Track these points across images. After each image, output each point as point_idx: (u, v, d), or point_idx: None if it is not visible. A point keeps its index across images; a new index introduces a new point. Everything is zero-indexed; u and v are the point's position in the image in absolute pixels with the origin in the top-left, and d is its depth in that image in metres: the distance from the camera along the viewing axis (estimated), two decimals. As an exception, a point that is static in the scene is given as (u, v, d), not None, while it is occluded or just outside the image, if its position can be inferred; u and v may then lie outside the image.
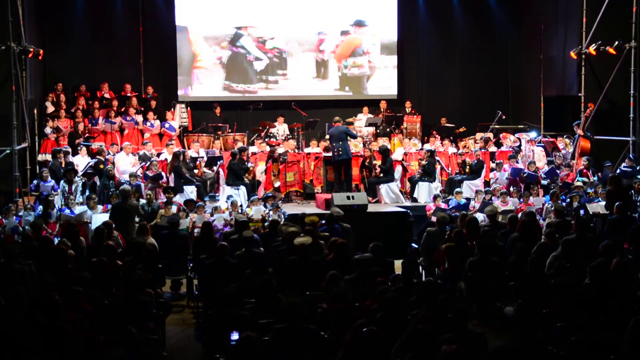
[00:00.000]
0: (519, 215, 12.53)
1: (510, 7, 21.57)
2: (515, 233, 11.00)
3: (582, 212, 13.44)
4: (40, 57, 17.25)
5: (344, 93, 21.37)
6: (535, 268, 9.19)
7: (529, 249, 10.06)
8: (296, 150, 17.27)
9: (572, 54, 18.15)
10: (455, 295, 9.23)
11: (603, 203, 13.74)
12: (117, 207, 12.96)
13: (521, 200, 14.81)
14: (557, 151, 17.63)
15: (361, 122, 19.54)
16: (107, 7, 20.00)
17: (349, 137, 15.89)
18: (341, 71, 21.20)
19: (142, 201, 14.02)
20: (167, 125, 18.72)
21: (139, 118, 18.63)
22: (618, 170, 15.61)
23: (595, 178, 15.89)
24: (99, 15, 19.92)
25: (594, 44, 17.35)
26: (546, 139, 18.26)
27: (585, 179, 15.78)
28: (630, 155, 15.84)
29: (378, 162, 16.82)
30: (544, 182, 16.03)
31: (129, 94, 19.29)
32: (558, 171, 16.61)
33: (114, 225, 11.53)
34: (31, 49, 16.44)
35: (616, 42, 16.71)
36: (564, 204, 14.02)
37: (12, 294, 7.28)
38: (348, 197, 14.49)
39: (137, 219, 12.87)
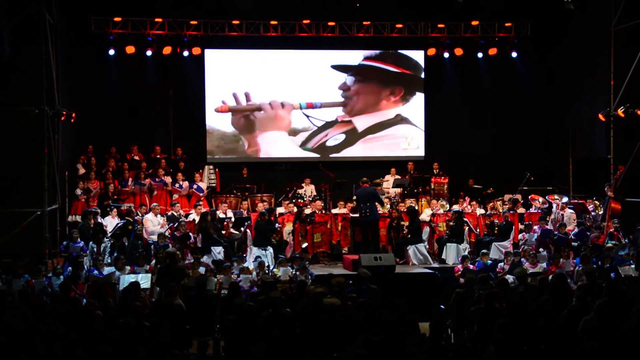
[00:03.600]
0: (549, 277, 12.37)
1: (537, 68, 21.67)
2: (545, 296, 10.84)
3: (612, 275, 13.25)
4: (72, 120, 17.55)
5: (372, 154, 21.52)
6: (567, 331, 9.03)
7: (560, 311, 9.90)
8: (323, 211, 17.28)
9: (601, 116, 18.11)
10: (484, 358, 9.07)
11: (634, 266, 13.56)
12: (164, 269, 12.93)
13: (551, 261, 14.63)
14: (586, 213, 17.48)
15: (389, 182, 19.58)
16: (138, 70, 20.43)
17: (375, 201, 15.89)
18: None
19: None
20: (195, 186, 18.89)
21: (168, 179, 18.81)
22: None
23: (627, 240, 15.69)
24: (129, 78, 20.38)
25: (622, 107, 17.32)
26: (575, 201, 18.12)
27: (616, 242, 15.59)
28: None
29: (406, 223, 16.77)
30: (574, 244, 15.85)
31: (158, 156, 19.53)
32: (588, 233, 16.45)
33: (141, 286, 11.54)
34: (64, 112, 16.74)
35: (644, 104, 16.69)
36: (595, 266, 13.83)
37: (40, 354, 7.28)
38: (375, 258, 14.44)
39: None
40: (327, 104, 21.18)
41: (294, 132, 21.11)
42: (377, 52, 21.30)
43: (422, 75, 21.63)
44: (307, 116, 21.05)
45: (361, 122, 21.33)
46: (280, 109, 20.94)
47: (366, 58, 21.33)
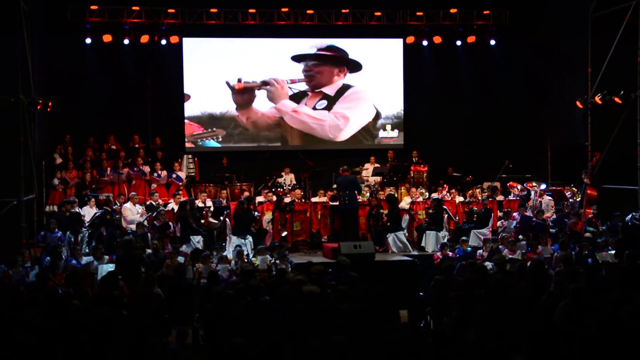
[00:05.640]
0: (528, 264, 12.42)
1: (516, 56, 21.72)
2: (523, 282, 10.89)
3: (590, 260, 13.35)
4: (48, 109, 17.39)
5: (351, 143, 21.61)
6: (545, 317, 9.08)
7: (538, 297, 9.95)
8: (303, 200, 17.26)
9: (578, 103, 18.20)
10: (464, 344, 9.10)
11: (612, 252, 13.66)
12: (121, 257, 12.95)
13: (529, 249, 14.71)
14: (564, 200, 17.59)
15: (368, 171, 19.58)
16: (115, 58, 20.24)
17: (355, 189, 15.91)
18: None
19: (148, 251, 13.98)
20: (174, 175, 18.80)
21: (147, 169, 18.72)
22: (628, 220, 15.53)
23: (604, 227, 15.80)
24: (106, 66, 20.17)
25: (599, 94, 17.42)
26: (553, 188, 18.22)
27: (594, 228, 15.70)
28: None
29: (385, 211, 16.79)
30: (552, 231, 15.95)
31: (136, 145, 19.41)
32: (566, 220, 16.55)
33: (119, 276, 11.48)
34: (40, 101, 16.58)
35: (622, 92, 16.78)
36: (573, 252, 13.92)
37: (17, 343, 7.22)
38: (355, 246, 14.45)
39: (143, 269, 12.82)
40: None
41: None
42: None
43: (401, 64, 21.69)
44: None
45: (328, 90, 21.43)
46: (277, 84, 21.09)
47: (318, 49, 21.36)
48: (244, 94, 20.91)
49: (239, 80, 20.75)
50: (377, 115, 21.67)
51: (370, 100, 21.62)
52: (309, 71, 21.24)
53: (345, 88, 21.39)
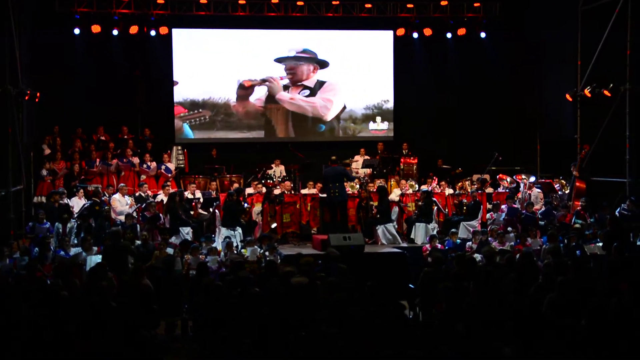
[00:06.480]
0: (517, 256, 12.46)
1: (506, 48, 21.76)
2: (512, 274, 10.91)
3: (578, 252, 13.39)
4: (37, 100, 17.28)
5: (341, 135, 21.75)
6: (533, 309, 9.10)
7: (527, 289, 9.97)
8: (292, 192, 17.25)
9: (568, 96, 18.24)
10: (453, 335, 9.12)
11: (600, 244, 13.70)
12: (109, 248, 12.92)
13: (518, 241, 14.73)
14: (553, 192, 17.63)
15: (358, 163, 19.58)
16: (104, 49, 20.16)
17: (345, 179, 15.91)
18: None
19: (138, 242, 13.94)
20: (163, 167, 18.75)
21: (136, 160, 18.67)
22: (617, 212, 15.59)
23: (593, 219, 15.85)
24: (95, 57, 20.09)
25: (588, 86, 17.46)
26: (543, 180, 18.26)
27: (582, 220, 15.74)
28: (632, 198, 15.80)
29: (375, 203, 16.79)
30: (541, 223, 15.99)
31: (125, 136, 19.34)
32: (555, 212, 16.59)
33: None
34: (28, 92, 16.49)
35: (611, 85, 16.81)
36: (561, 245, 13.95)
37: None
38: (345, 238, 14.44)
39: (131, 260, 12.79)
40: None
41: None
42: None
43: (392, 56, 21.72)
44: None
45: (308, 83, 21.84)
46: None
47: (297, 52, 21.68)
48: (248, 89, 21.25)
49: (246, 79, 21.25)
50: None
51: (344, 91, 21.97)
52: (290, 69, 21.62)
53: (321, 82, 21.84)
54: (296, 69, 21.63)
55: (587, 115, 18.01)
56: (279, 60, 21.48)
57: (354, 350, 7.65)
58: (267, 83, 21.41)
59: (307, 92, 21.70)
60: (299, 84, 21.62)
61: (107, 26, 19.82)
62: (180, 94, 20.91)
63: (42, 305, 9.18)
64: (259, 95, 21.39)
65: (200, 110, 21.07)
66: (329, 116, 21.85)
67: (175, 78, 20.75)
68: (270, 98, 21.44)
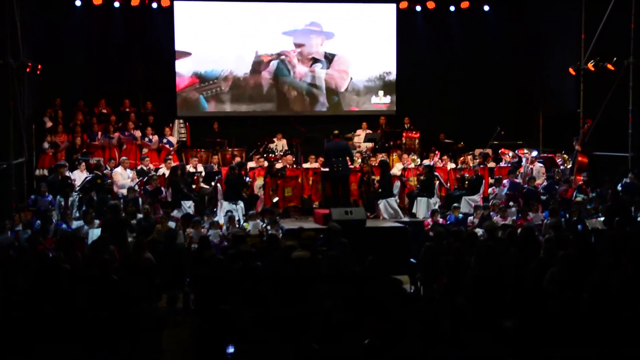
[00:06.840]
0: (518, 230, 12.46)
1: (509, 22, 21.62)
2: (513, 248, 10.93)
3: (579, 227, 13.39)
4: (38, 72, 17.24)
5: (344, 108, 21.70)
6: (534, 283, 9.12)
7: (528, 264, 9.99)
8: (294, 166, 17.23)
9: (571, 70, 18.14)
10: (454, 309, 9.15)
11: (602, 219, 13.71)
12: (109, 222, 12.96)
13: (520, 215, 14.73)
14: (555, 167, 17.61)
15: (360, 137, 19.54)
16: (106, 21, 20.07)
17: (347, 156, 15.86)
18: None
19: (139, 216, 13.96)
20: (165, 140, 18.72)
21: (138, 133, 18.63)
22: (620, 185, 15.59)
23: (594, 194, 15.84)
24: (97, 29, 19.98)
25: (592, 60, 17.36)
26: (545, 155, 18.23)
27: (584, 195, 15.74)
28: (635, 171, 15.78)
29: (377, 178, 16.77)
30: (543, 198, 15.98)
31: (127, 109, 19.29)
32: (557, 187, 16.58)
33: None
34: (29, 64, 16.43)
35: (614, 58, 16.72)
36: (563, 219, 13.95)
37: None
38: (346, 212, 14.44)
39: (133, 234, 12.82)
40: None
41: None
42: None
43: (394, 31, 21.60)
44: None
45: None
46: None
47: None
48: (262, 63, 21.19)
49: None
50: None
51: (357, 64, 21.75)
52: (299, 43, 21.45)
53: (332, 55, 21.66)
54: (305, 42, 21.42)
55: (590, 89, 17.90)
56: (288, 33, 21.29)
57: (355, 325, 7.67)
58: (282, 57, 21.27)
59: (320, 65, 21.55)
60: (310, 57, 21.46)
61: (109, -3, 19.72)
62: (188, 66, 20.77)
63: (44, 278, 9.21)
64: (272, 68, 21.27)
65: (215, 81, 20.94)
66: (344, 87, 21.77)
67: (186, 49, 20.61)
68: (285, 71, 21.29)
